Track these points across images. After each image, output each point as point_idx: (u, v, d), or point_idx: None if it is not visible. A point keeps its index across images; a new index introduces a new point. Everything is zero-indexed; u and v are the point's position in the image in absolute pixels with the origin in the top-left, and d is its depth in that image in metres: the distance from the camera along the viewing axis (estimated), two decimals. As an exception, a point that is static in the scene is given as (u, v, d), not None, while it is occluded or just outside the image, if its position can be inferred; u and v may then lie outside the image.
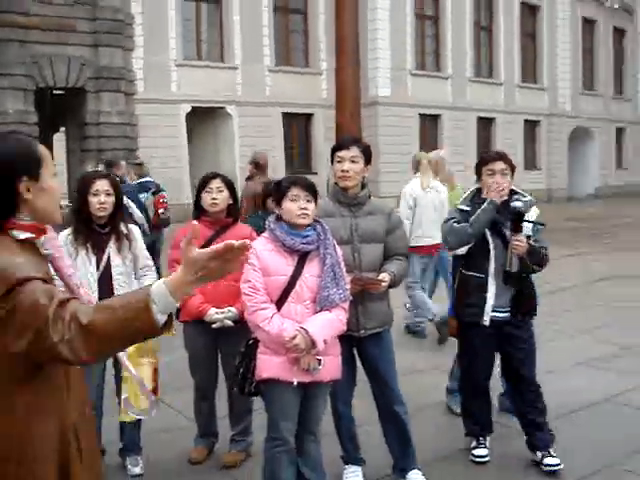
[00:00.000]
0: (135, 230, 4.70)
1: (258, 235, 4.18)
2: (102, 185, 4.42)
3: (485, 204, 4.56)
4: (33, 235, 2.16)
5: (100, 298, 4.34)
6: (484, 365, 4.87)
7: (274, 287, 3.84)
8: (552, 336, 7.60)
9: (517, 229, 4.59)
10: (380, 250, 4.31)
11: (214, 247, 1.87)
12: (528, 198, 4.72)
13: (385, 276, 4.22)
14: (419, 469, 4.46)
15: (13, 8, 19.33)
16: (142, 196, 9.51)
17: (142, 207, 9.45)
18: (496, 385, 5.48)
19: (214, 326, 4.64)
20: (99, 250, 4.44)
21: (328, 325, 3.84)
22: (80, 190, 4.49)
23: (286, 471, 3.93)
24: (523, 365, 4.77)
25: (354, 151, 4.31)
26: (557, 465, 4.56)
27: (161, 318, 1.89)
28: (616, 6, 37.28)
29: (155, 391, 4.45)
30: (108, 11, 21.18)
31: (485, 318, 4.66)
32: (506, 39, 31.75)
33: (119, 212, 4.54)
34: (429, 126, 28.84)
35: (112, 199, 4.45)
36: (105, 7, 21.13)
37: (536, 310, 4.82)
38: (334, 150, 4.43)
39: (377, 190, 25.80)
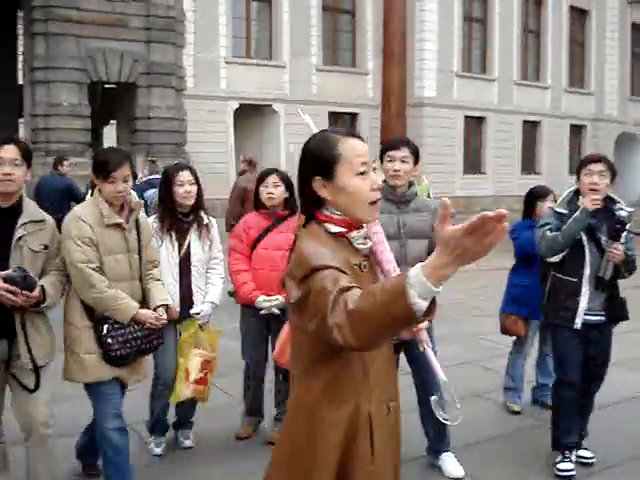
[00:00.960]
0: (213, 220, 5.02)
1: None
2: (185, 176, 4.77)
3: (578, 212, 4.54)
4: (344, 230, 2.27)
5: (180, 283, 4.77)
6: (575, 365, 4.78)
7: None
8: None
9: (616, 238, 4.59)
10: (425, 246, 4.44)
11: (468, 221, 1.68)
12: (631, 208, 4.71)
13: None
14: (451, 452, 4.73)
15: (69, 4, 19.87)
16: (148, 193, 9.68)
17: (145, 203, 9.77)
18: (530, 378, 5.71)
19: (262, 312, 4.93)
20: (181, 237, 4.80)
21: None
22: (165, 181, 4.84)
23: None
24: (601, 368, 4.84)
25: (404, 151, 4.50)
26: (592, 458, 4.87)
27: (420, 303, 1.76)
28: (667, 12, 36.92)
29: (202, 381, 4.76)
30: (161, 8, 21.62)
31: (577, 321, 4.67)
32: (554, 43, 31.63)
33: (201, 201, 4.87)
34: (474, 128, 28.89)
35: (195, 188, 4.79)
36: (158, 4, 21.57)
37: (628, 315, 4.83)
38: (385, 149, 4.59)
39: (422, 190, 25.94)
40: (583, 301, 4.66)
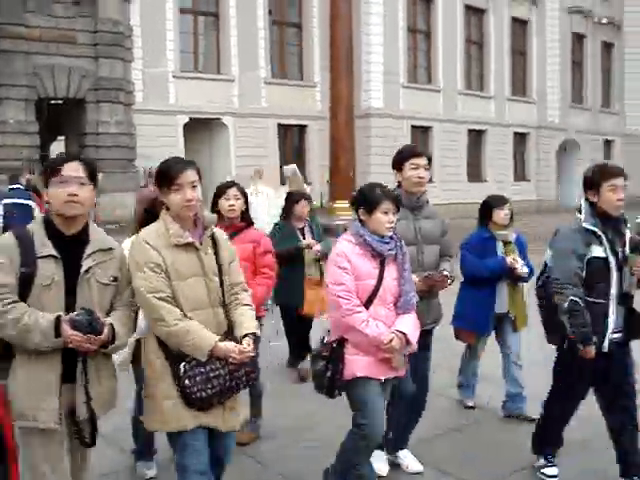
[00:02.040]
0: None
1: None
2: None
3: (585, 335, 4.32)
4: None
5: None
6: (586, 388, 4.64)
7: (364, 290, 4.04)
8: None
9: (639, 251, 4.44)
10: (437, 250, 4.72)
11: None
12: None
13: (448, 273, 4.65)
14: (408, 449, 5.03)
15: (16, 20, 19.82)
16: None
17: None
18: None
19: None
20: None
21: (415, 326, 4.14)
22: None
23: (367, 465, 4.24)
24: (627, 378, 4.61)
25: (425, 160, 4.65)
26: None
27: None
28: (604, 21, 37.99)
29: None
30: (108, 24, 21.67)
31: (605, 345, 4.41)
32: (496, 53, 32.40)
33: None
34: (420, 137, 29.38)
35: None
36: (105, 20, 21.62)
37: None
38: (407, 157, 4.65)
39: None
40: (611, 322, 4.43)
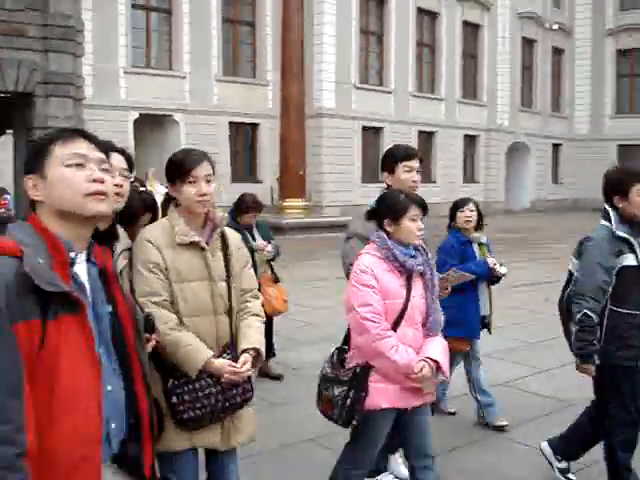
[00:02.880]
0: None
1: None
2: None
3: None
4: None
5: None
6: (632, 408, 4.27)
7: (392, 311, 3.63)
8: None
9: None
10: None
11: None
12: None
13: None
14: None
15: (-37, 12, 19.65)
16: None
17: None
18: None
19: None
20: None
21: (445, 350, 3.76)
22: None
23: None
24: None
25: (418, 162, 4.27)
26: None
27: None
28: (555, 27, 38.76)
29: None
30: (59, 17, 21.50)
31: None
32: (448, 56, 32.89)
33: None
34: (372, 138, 29.73)
35: None
36: (56, 13, 21.43)
37: None
38: (401, 159, 4.25)
39: (321, 199, 26.62)
40: None
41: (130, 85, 24.39)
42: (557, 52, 40.21)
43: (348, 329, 3.87)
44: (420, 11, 31.71)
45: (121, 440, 2.24)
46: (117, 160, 3.09)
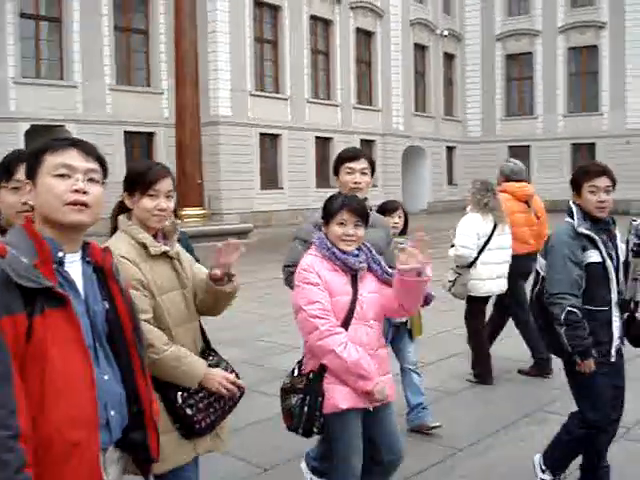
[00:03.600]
0: None
1: None
2: None
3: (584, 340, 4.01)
4: None
5: None
6: (609, 405, 4.25)
7: (339, 308, 3.57)
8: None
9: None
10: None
11: None
12: None
13: None
14: None
15: None
16: None
17: None
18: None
19: None
20: None
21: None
22: None
23: None
24: (623, 395, 4.39)
25: (363, 163, 4.23)
26: None
27: None
28: (446, 33, 39.87)
29: None
30: (-59, 28, 21.01)
31: (613, 354, 4.19)
32: (342, 63, 33.41)
33: None
34: (269, 145, 29.95)
35: None
36: (-62, 24, 20.96)
37: None
38: (342, 161, 4.27)
39: (220, 206, 26.66)
40: (616, 330, 4.20)
41: (20, 96, 23.88)
42: (448, 57, 41.37)
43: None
44: (314, 18, 32.12)
45: (124, 428, 2.37)
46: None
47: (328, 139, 32.56)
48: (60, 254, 2.23)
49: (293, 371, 3.76)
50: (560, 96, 39.62)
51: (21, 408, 2.03)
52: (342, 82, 33.48)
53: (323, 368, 3.55)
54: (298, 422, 3.57)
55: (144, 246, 3.13)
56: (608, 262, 4.11)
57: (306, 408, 3.54)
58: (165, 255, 3.19)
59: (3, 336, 2.03)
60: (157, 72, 27.61)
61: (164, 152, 26.73)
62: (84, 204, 2.24)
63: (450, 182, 40.91)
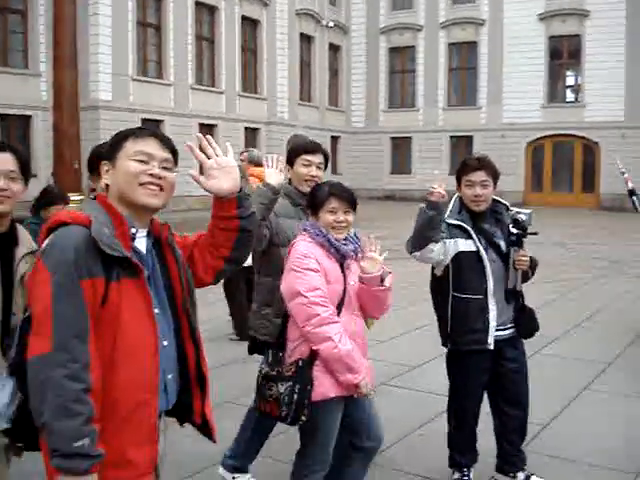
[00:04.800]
0: None
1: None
2: None
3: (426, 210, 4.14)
4: None
5: None
6: (478, 391, 4.53)
7: (334, 295, 3.58)
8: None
9: (520, 244, 4.31)
10: None
11: None
12: (529, 210, 4.44)
13: None
14: None
15: None
16: None
17: None
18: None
19: None
20: None
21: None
22: None
23: None
24: (519, 386, 4.53)
25: (320, 157, 4.26)
26: None
27: None
28: (331, 24, 40.42)
29: None
30: None
31: (490, 341, 4.29)
32: (227, 50, 33.40)
33: None
34: (152, 131, 29.69)
35: None
36: None
37: (538, 325, 4.54)
38: (299, 153, 4.25)
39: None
40: (492, 318, 4.29)
41: None
42: (334, 49, 41.94)
43: (283, 326, 3.82)
44: (198, 4, 31.95)
45: (176, 391, 2.56)
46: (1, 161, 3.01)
47: (212, 126, 32.56)
48: (133, 230, 2.44)
49: (268, 358, 3.72)
50: (441, 89, 40.84)
51: (94, 365, 2.23)
52: (227, 69, 33.47)
53: (313, 355, 3.53)
54: (287, 410, 3.51)
55: None
56: (482, 251, 4.22)
57: (296, 396, 3.49)
58: None
59: (84, 296, 2.25)
60: (35, 53, 26.86)
61: (42, 135, 26.14)
62: (160, 187, 2.50)
63: (335, 171, 41.57)
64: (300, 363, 3.54)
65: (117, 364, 2.32)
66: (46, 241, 2.34)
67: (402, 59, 42.48)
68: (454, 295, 4.33)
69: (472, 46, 40.25)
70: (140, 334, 2.37)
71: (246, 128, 34.45)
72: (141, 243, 2.50)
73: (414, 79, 41.78)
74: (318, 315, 3.44)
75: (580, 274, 14.49)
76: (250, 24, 35.37)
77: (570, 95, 39.20)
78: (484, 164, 4.33)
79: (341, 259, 3.64)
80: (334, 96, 42.27)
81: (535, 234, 4.44)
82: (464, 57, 40.72)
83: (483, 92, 39.79)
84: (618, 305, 11.31)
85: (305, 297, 3.46)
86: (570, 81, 39.14)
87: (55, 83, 22.78)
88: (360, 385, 3.52)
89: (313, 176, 4.16)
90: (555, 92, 38.86)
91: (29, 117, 26.62)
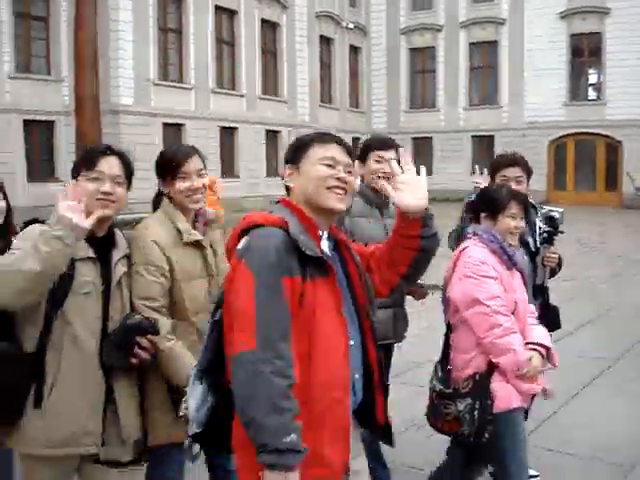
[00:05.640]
0: None
1: None
2: None
3: None
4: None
5: None
6: None
7: (510, 305, 3.48)
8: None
9: (551, 242, 4.30)
10: None
11: None
12: (561, 209, 4.45)
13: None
14: None
15: None
16: None
17: None
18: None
19: None
20: None
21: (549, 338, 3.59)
22: None
23: None
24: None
25: (393, 153, 4.07)
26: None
27: None
28: (351, 26, 40.42)
29: None
30: None
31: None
32: (247, 53, 33.47)
33: None
34: (173, 135, 29.80)
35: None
36: None
37: (560, 324, 4.53)
38: (373, 148, 4.17)
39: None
40: None
41: None
42: (354, 50, 41.91)
43: (446, 341, 3.63)
44: (218, 9, 32.08)
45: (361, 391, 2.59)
46: (108, 165, 3.09)
47: (233, 129, 32.65)
48: (320, 232, 2.52)
49: (437, 373, 3.59)
50: (462, 89, 40.70)
51: (294, 362, 2.29)
52: (247, 72, 33.55)
53: (491, 368, 3.40)
54: (469, 428, 3.37)
55: (179, 231, 3.27)
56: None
57: (477, 413, 3.34)
58: (198, 243, 3.33)
59: (285, 296, 2.30)
60: (57, 60, 27.03)
61: (64, 141, 26.36)
62: (345, 191, 2.55)
63: (356, 172, 41.60)
64: (477, 377, 3.41)
65: (313, 362, 2.37)
66: (242, 242, 2.39)
67: (422, 59, 42.36)
68: None
69: (492, 45, 40.04)
70: (333, 333, 2.41)
71: (267, 131, 34.50)
72: (324, 245, 2.57)
73: (435, 79, 41.64)
74: (501, 325, 3.33)
75: (600, 272, 14.41)
76: (270, 27, 35.44)
77: (592, 93, 38.85)
78: (518, 160, 4.34)
79: (512, 267, 3.54)
80: (355, 97, 42.25)
81: (562, 232, 4.46)
82: (485, 56, 40.54)
83: (504, 91, 39.58)
84: (634, 303, 11.21)
85: (487, 306, 3.35)
86: (592, 79, 38.79)
87: (77, 88, 23.23)
88: (547, 389, 3.51)
89: (386, 172, 3.97)
90: (577, 90, 38.57)
91: (52, 122, 26.81)
